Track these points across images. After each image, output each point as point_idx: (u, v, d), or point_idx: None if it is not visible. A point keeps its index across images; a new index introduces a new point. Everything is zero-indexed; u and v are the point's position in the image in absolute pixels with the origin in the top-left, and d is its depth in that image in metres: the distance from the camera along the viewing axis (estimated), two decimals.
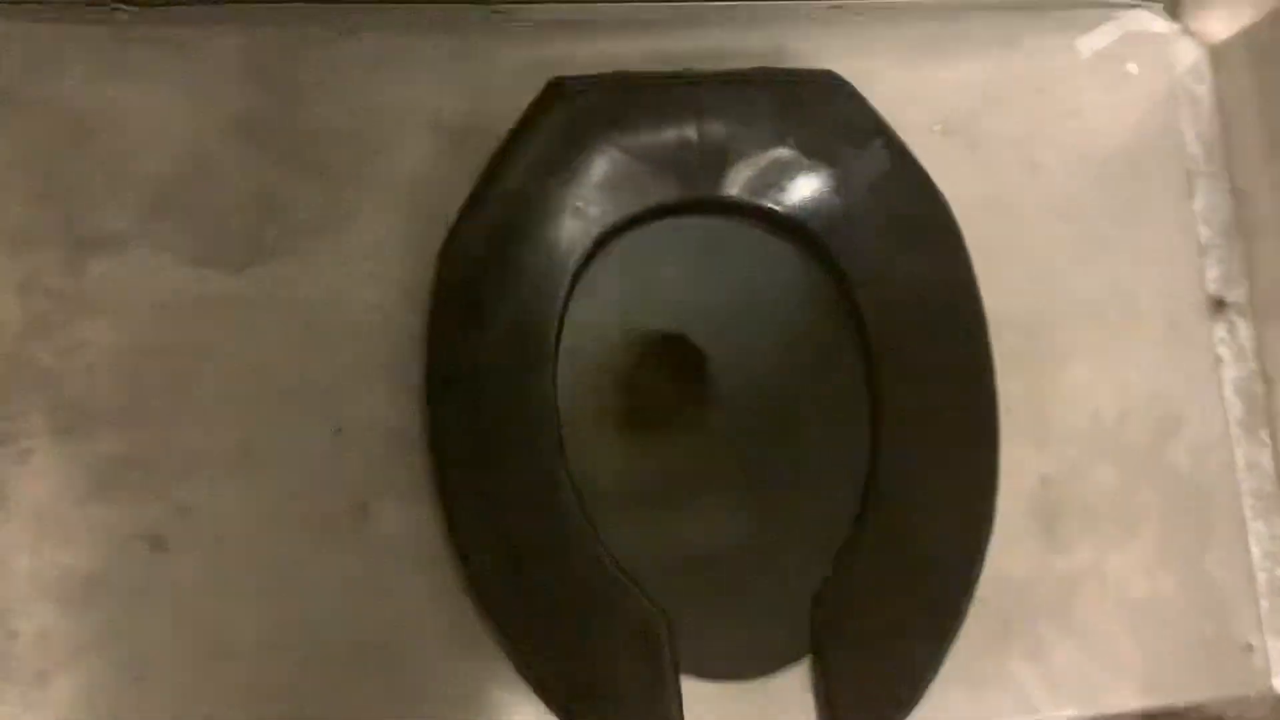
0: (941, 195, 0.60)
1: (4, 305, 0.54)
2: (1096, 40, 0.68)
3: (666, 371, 0.60)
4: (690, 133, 0.58)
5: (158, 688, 0.52)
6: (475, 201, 0.56)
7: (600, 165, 0.57)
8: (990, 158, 0.65)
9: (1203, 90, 0.70)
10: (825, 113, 0.59)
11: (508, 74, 0.60)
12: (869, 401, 0.58)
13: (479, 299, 0.56)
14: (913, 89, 0.64)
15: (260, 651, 0.53)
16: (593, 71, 0.59)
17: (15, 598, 0.52)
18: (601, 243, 0.57)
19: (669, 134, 0.58)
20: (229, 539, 0.54)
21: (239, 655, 0.53)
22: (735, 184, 0.58)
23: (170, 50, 0.58)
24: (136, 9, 0.58)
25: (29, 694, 0.51)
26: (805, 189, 0.59)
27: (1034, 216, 0.65)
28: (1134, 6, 0.69)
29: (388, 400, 0.56)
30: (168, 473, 0.54)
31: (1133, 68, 0.69)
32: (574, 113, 0.57)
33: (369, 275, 0.57)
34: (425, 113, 0.60)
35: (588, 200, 0.57)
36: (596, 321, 0.58)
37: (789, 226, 0.59)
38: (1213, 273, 0.67)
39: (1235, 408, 0.66)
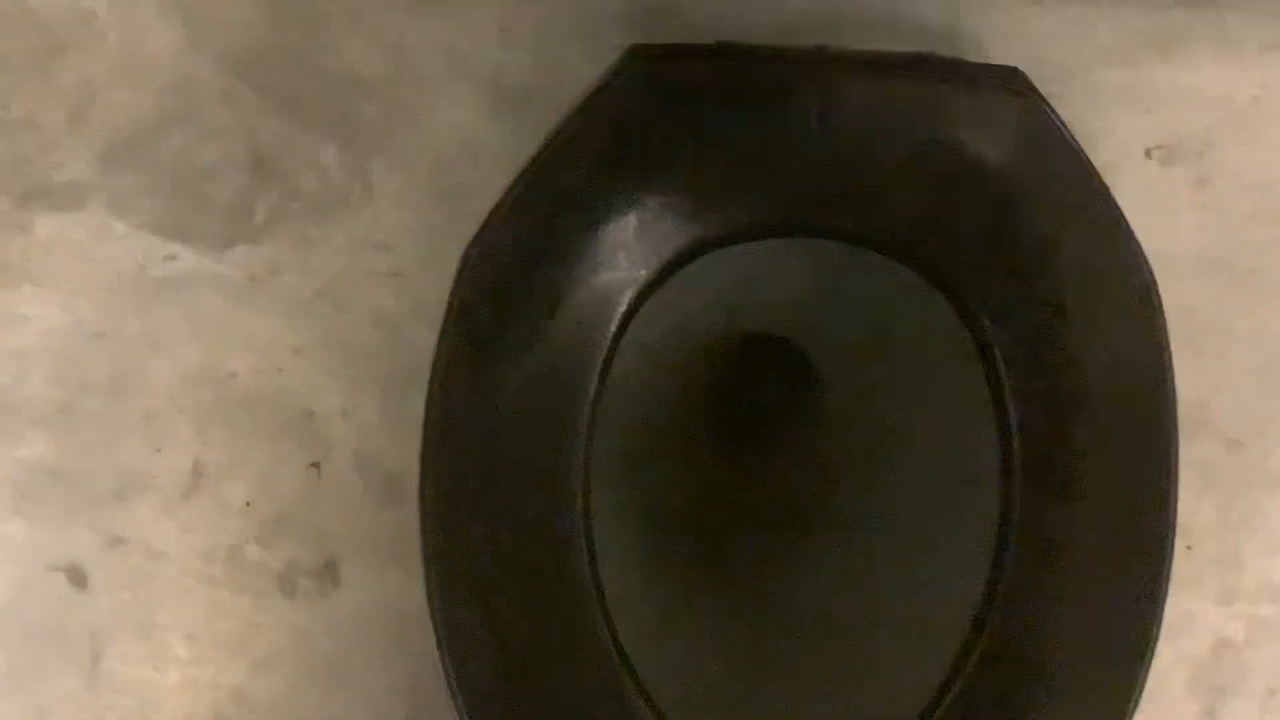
0: (1140, 250, 0.47)
1: None
2: None
3: (756, 394, 0.52)
4: (808, 133, 0.46)
5: None
6: (514, 196, 0.46)
7: (683, 165, 0.46)
8: (1224, 202, 0.52)
9: None
10: (998, 126, 0.47)
11: (591, 25, 0.50)
12: (999, 504, 0.47)
13: (502, 327, 0.46)
14: (1130, 96, 0.53)
15: None
16: (692, 36, 0.49)
17: None
18: (672, 269, 0.47)
19: (780, 131, 0.46)
20: (163, 584, 0.47)
21: None
22: (859, 210, 0.47)
23: None
24: None
25: None
26: (953, 227, 0.47)
27: (1272, 289, 0.52)
28: None
29: (380, 435, 0.48)
30: (101, 493, 0.47)
31: None
32: (655, 93, 0.46)
33: (379, 272, 0.49)
34: (478, 65, 0.51)
35: (660, 211, 0.46)
36: (657, 351, 0.49)
37: (926, 273, 0.48)
38: None
39: None
